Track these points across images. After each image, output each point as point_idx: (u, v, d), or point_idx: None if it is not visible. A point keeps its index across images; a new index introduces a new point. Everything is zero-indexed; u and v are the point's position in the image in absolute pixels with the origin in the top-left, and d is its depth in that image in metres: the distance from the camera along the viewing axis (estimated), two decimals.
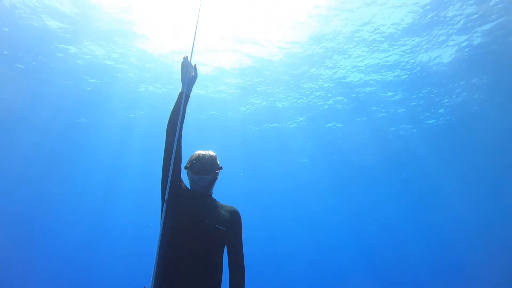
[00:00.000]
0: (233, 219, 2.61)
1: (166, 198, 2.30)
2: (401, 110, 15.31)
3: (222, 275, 2.45)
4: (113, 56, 12.69)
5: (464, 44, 11.15)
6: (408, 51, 11.76)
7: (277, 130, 17.81)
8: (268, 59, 12.53)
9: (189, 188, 2.65)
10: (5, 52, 12.48)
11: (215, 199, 2.69)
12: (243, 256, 2.58)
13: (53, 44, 12.02)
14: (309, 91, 14.45)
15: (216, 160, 2.64)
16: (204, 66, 12.80)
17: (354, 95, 14.48)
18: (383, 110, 15.48)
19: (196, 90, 14.05)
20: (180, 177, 2.56)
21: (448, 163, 19.23)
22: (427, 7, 9.88)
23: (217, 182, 2.69)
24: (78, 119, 17.17)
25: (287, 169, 22.34)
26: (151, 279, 2.13)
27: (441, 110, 14.99)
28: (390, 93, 14.28)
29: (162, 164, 2.47)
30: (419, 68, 12.60)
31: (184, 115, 2.53)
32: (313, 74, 13.28)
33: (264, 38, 11.54)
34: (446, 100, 14.26)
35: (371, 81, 13.57)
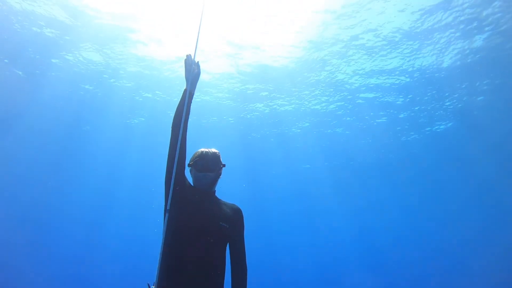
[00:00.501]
0: (236, 217, 2.60)
1: (168, 207, 2.27)
2: (402, 115, 15.28)
3: (225, 273, 2.45)
4: (113, 65, 12.71)
5: (465, 49, 11.14)
6: (408, 56, 11.75)
7: (280, 136, 17.77)
8: (269, 65, 12.53)
9: (192, 185, 2.65)
10: (6, 61, 12.51)
11: (217, 197, 2.69)
12: (245, 254, 2.56)
13: (53, 53, 12.06)
14: (310, 96, 14.42)
15: (219, 158, 2.65)
16: (205, 74, 12.78)
17: (358, 101, 14.46)
18: (385, 116, 15.45)
19: (197, 99, 14.09)
20: (184, 173, 2.56)
21: (449, 167, 19.19)
22: (427, 14, 9.88)
23: (220, 181, 2.69)
24: (80, 124, 17.21)
25: (289, 175, 22.27)
26: (156, 276, 2.11)
27: (443, 115, 14.96)
28: (391, 98, 14.25)
29: (166, 161, 2.49)
30: (419, 74, 12.58)
31: (189, 112, 2.55)
32: (314, 79, 13.26)
33: (264, 44, 11.54)
34: (448, 104, 14.23)
35: (372, 87, 13.56)
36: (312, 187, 23.82)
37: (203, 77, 12.80)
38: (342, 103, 14.74)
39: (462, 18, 9.87)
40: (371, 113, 15.29)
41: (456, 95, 13.58)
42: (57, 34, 11.12)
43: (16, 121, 16.13)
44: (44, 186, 22.33)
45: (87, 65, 12.80)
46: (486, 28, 10.15)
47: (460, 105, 14.05)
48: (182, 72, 14.46)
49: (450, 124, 15.52)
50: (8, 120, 15.95)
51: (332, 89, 13.87)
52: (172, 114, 2.57)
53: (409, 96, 14.02)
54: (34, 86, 13.86)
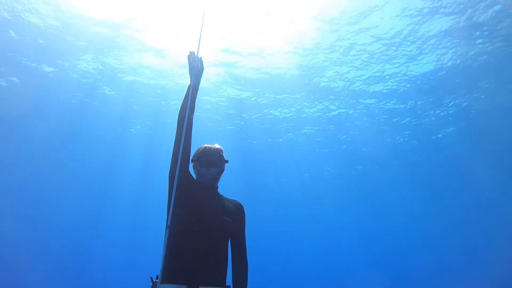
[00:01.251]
0: (238, 212, 2.64)
1: (169, 223, 2.22)
2: (404, 122, 15.25)
3: (227, 268, 2.46)
4: (110, 74, 12.70)
5: (465, 56, 11.13)
6: (408, 63, 11.74)
7: (281, 143, 17.71)
8: (269, 72, 12.50)
9: (196, 180, 2.67)
10: (1, 69, 12.48)
11: (219, 193, 2.71)
12: (246, 250, 2.60)
13: (50, 62, 12.04)
14: (311, 103, 14.39)
15: (222, 153, 2.67)
16: (204, 82, 12.74)
17: (359, 106, 14.42)
18: (386, 123, 15.41)
19: (197, 109, 14.01)
20: (188, 168, 2.58)
21: (450, 173, 19.16)
22: (425, 18, 9.87)
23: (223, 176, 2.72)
24: (78, 132, 17.13)
25: (291, 182, 22.22)
26: (160, 269, 2.12)
27: (444, 121, 14.93)
28: (392, 105, 14.22)
29: (171, 155, 2.51)
30: (420, 80, 12.57)
31: (194, 107, 2.57)
32: (315, 86, 13.24)
33: (264, 52, 11.52)
34: (450, 112, 14.21)
35: (372, 93, 13.54)
36: (313, 194, 23.74)
37: (202, 85, 12.72)
38: (343, 110, 14.71)
39: (461, 24, 9.86)
40: (372, 119, 15.25)
41: (457, 101, 13.57)
42: (55, 43, 11.09)
43: (13, 128, 16.07)
44: (45, 185, 22.19)
45: (84, 75, 12.78)
46: (486, 33, 10.13)
47: (460, 111, 14.03)
48: (180, 81, 14.37)
49: (451, 130, 15.47)
50: (7, 127, 15.89)
51: (333, 96, 13.86)
52: (172, 122, 2.57)
53: (410, 102, 13.99)
54: (32, 95, 13.80)
